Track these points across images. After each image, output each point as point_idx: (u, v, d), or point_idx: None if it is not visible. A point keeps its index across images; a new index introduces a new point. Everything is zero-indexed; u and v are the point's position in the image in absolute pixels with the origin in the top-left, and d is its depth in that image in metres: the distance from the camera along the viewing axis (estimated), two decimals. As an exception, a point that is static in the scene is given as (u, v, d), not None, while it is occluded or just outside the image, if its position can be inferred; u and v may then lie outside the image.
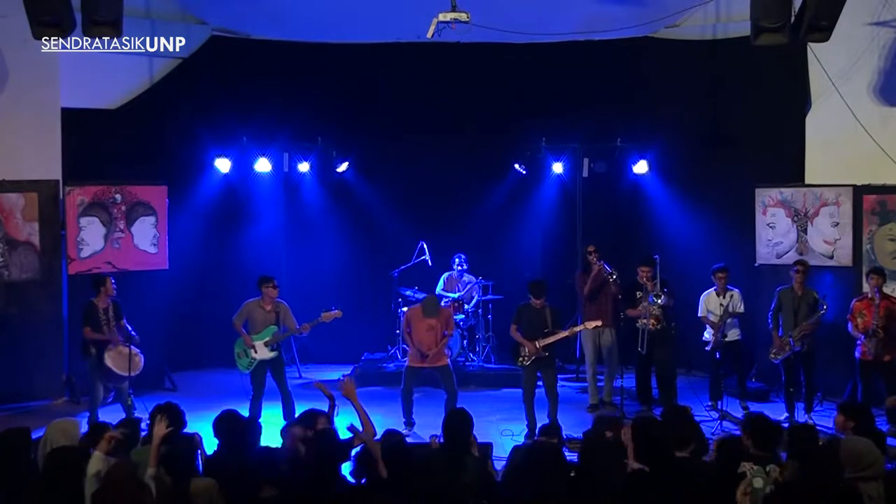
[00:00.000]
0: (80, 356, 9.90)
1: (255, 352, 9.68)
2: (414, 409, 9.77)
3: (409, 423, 9.69)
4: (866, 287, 9.97)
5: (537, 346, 9.37)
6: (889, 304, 9.64)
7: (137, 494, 5.44)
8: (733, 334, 10.38)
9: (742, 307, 10.37)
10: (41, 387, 10.87)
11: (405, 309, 10.90)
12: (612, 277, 10.39)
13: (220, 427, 6.19)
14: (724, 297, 10.26)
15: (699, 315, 10.50)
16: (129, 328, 9.79)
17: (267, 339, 9.69)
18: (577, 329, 10.04)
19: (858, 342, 9.71)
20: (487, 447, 7.23)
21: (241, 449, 6.07)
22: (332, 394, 7.05)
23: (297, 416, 7.89)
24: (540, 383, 9.56)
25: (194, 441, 6.19)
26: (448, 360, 9.96)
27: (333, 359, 12.78)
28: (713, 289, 10.42)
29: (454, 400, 9.55)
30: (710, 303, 10.43)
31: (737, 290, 10.39)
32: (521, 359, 9.49)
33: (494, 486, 5.77)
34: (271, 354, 9.72)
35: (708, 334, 10.44)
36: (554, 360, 9.88)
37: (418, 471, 5.65)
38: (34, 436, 6.20)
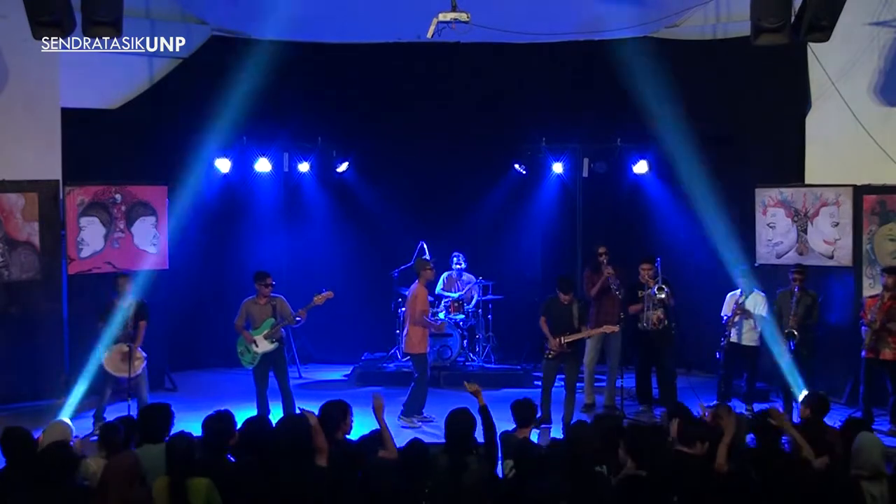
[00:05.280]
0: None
1: (257, 346, 9.79)
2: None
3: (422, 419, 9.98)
4: (866, 287, 9.98)
5: (561, 341, 9.63)
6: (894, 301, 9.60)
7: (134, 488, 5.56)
8: (751, 338, 10.26)
9: (764, 310, 10.17)
10: (41, 387, 10.84)
11: (404, 310, 10.92)
12: (617, 292, 10.40)
13: (208, 427, 6.16)
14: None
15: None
16: (143, 333, 9.80)
17: (266, 331, 9.80)
18: (596, 331, 10.03)
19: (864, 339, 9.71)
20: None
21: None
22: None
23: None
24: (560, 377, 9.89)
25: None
26: (421, 350, 10.09)
27: (333, 359, 12.79)
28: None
29: (419, 388, 9.93)
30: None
31: (761, 294, 10.24)
32: (546, 352, 9.81)
33: (499, 486, 5.74)
34: (272, 346, 9.81)
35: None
36: (578, 358, 10.01)
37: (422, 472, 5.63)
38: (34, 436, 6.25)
